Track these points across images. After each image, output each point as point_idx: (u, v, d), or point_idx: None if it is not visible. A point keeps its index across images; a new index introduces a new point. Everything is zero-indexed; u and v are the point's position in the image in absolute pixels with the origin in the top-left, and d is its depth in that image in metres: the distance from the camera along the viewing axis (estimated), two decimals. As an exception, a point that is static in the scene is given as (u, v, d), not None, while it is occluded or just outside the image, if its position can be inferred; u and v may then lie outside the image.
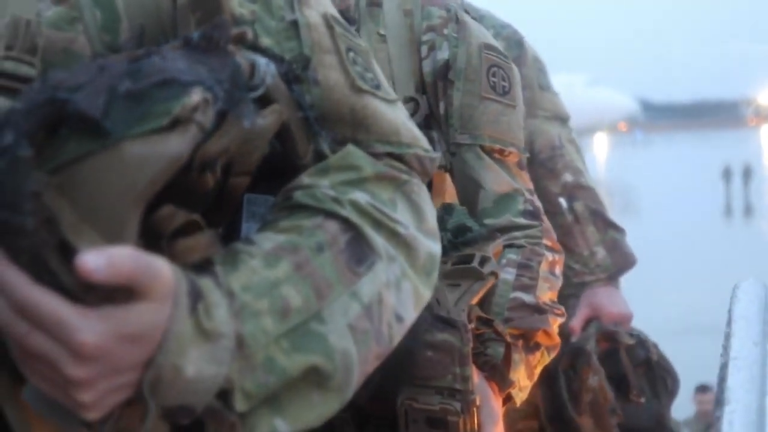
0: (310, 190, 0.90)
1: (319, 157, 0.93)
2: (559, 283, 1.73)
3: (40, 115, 0.76)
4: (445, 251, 1.41)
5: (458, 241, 1.55)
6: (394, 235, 0.92)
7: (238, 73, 0.84)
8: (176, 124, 0.78)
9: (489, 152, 1.68)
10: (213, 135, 0.81)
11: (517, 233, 1.69)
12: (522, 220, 1.69)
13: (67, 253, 0.75)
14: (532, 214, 1.71)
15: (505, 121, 1.69)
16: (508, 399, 1.60)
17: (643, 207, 26.08)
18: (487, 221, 1.66)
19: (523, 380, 1.62)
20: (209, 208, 0.85)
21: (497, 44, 1.75)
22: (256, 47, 0.91)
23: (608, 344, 2.48)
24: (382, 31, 1.66)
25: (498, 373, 1.57)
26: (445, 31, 1.68)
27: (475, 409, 1.45)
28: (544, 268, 1.68)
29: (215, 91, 0.81)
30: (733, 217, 29.13)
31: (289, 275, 0.85)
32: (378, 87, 0.99)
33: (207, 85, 0.80)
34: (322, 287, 0.86)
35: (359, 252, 0.89)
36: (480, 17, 2.60)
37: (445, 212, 1.57)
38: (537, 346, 1.64)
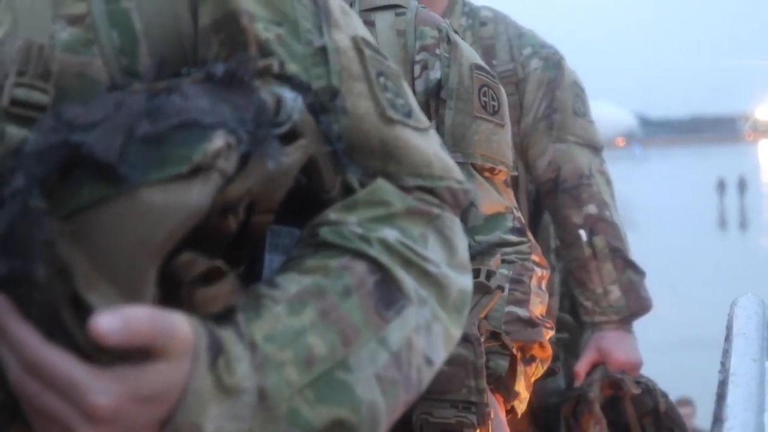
0: (337, 227, 0.86)
1: (347, 189, 0.88)
2: (547, 297, 1.76)
3: (53, 159, 0.73)
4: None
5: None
6: (424, 275, 0.88)
7: (262, 110, 0.79)
8: (197, 171, 0.73)
9: (480, 170, 1.70)
10: (236, 178, 0.76)
11: (507, 249, 1.71)
12: (512, 237, 1.71)
13: (81, 307, 0.72)
14: (520, 231, 1.74)
15: (495, 140, 1.70)
16: (510, 411, 1.63)
17: (641, 221, 26.12)
18: (478, 238, 1.68)
19: (524, 392, 1.65)
20: (230, 244, 0.80)
21: (485, 64, 1.76)
22: (282, 76, 0.86)
23: (613, 391, 2.41)
24: None
25: (503, 386, 1.59)
26: (438, 51, 1.69)
27: (490, 421, 1.47)
28: (533, 283, 1.71)
29: (239, 134, 0.76)
30: (727, 230, 29.19)
31: (314, 323, 0.81)
32: (409, 114, 0.94)
33: (230, 128, 0.76)
34: (348, 333, 0.82)
35: (388, 295, 0.85)
36: (520, 35, 2.59)
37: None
38: (533, 359, 1.67)
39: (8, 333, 0.74)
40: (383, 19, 1.69)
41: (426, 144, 0.94)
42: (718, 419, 0.95)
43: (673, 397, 2.50)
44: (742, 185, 36.50)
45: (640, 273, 2.58)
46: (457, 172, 0.96)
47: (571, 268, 2.59)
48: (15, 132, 0.83)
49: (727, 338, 1.19)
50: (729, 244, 24.87)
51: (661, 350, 9.89)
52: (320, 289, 0.82)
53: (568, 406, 2.39)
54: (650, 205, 34.47)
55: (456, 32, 1.75)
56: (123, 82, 0.85)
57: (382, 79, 0.93)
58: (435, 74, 1.68)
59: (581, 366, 2.52)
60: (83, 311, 0.71)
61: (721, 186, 36.68)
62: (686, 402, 6.80)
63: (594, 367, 2.51)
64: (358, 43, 0.92)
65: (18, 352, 0.73)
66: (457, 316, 0.91)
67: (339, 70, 0.90)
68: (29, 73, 0.85)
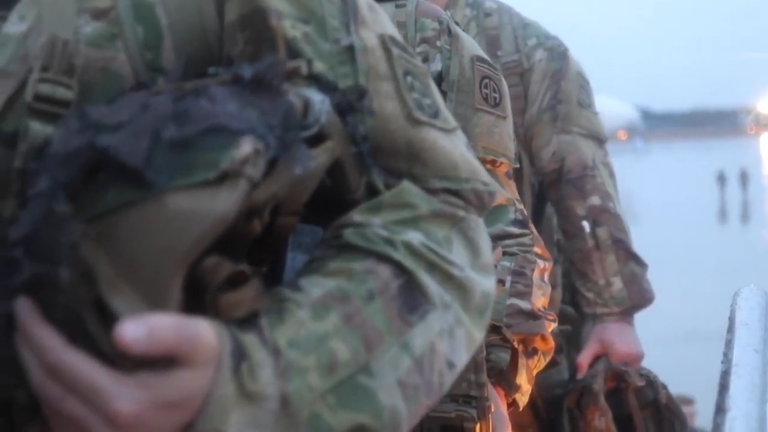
0: (361, 228, 0.85)
1: (372, 190, 0.88)
2: (549, 289, 1.76)
3: (78, 162, 0.72)
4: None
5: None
6: (448, 278, 0.87)
7: (290, 114, 0.78)
8: (225, 177, 0.73)
9: (482, 163, 1.68)
10: (262, 182, 0.75)
11: (509, 241, 1.71)
12: (514, 229, 1.72)
13: (104, 311, 0.71)
14: (522, 223, 1.74)
15: (497, 132, 1.70)
16: (511, 404, 1.63)
17: (644, 214, 26.16)
18: None
19: (525, 384, 1.65)
20: (254, 246, 0.80)
21: (486, 56, 1.76)
22: (309, 76, 0.85)
23: (615, 383, 2.43)
24: None
25: (504, 379, 1.60)
26: (438, 43, 1.69)
27: (490, 415, 1.47)
28: (536, 275, 1.71)
29: (267, 139, 0.75)
30: (728, 223, 29.21)
31: (337, 328, 0.80)
32: (436, 115, 0.92)
33: (258, 133, 0.75)
34: (371, 338, 0.81)
35: (411, 299, 0.84)
36: (525, 26, 2.62)
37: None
38: (535, 351, 1.68)
39: (31, 336, 0.73)
40: (383, 11, 1.69)
41: (452, 145, 0.93)
42: (720, 409, 0.95)
43: (674, 392, 2.51)
44: (743, 178, 36.48)
45: (642, 265, 2.59)
46: (483, 174, 0.96)
47: (574, 259, 2.61)
48: (39, 128, 0.82)
49: (730, 329, 1.19)
50: (731, 236, 24.88)
51: (663, 343, 9.88)
52: (344, 293, 0.82)
53: (572, 398, 2.40)
54: (652, 198, 34.49)
55: (457, 24, 1.75)
56: (147, 77, 0.84)
57: (409, 79, 0.91)
58: (436, 66, 1.68)
59: (584, 358, 2.53)
60: (107, 316, 0.71)
61: (722, 178, 36.66)
62: (688, 400, 6.60)
63: (596, 358, 2.52)
64: (385, 42, 0.91)
65: (40, 355, 0.73)
66: (479, 318, 0.90)
67: (366, 70, 0.89)
68: (53, 69, 0.83)
